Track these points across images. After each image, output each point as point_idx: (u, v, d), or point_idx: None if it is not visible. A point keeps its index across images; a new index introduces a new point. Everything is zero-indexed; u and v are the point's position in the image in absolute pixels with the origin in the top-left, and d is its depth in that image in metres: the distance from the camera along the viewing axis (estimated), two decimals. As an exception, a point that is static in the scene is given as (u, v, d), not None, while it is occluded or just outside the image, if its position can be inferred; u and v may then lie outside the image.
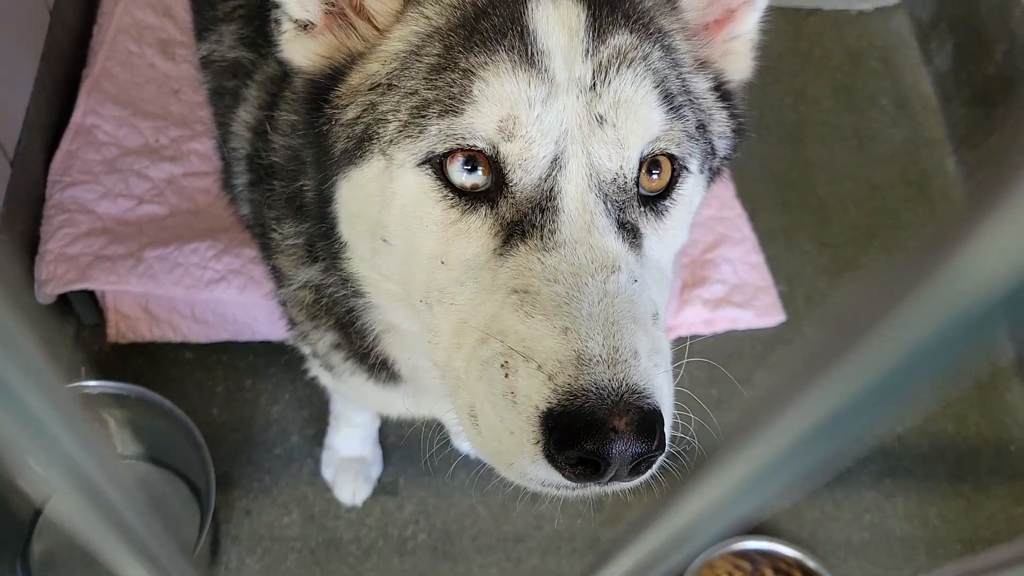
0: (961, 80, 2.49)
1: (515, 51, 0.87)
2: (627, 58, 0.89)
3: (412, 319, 1.00)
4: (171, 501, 1.84)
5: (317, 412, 1.98)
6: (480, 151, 0.87)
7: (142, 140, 2.11)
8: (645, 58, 0.90)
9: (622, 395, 0.75)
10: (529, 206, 0.86)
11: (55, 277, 1.90)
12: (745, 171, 2.36)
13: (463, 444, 1.81)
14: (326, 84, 0.99)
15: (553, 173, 0.86)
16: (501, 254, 0.86)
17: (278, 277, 1.27)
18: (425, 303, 0.92)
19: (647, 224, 0.92)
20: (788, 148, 2.48)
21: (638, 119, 0.87)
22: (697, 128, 0.95)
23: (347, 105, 0.96)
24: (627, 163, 0.88)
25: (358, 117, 0.95)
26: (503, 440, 0.81)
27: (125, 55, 2.20)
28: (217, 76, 1.45)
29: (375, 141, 0.93)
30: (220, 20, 1.44)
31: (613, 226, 0.86)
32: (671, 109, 0.90)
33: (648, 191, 0.92)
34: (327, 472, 1.92)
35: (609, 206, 0.87)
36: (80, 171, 2.03)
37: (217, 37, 1.44)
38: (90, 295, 1.98)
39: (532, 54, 0.87)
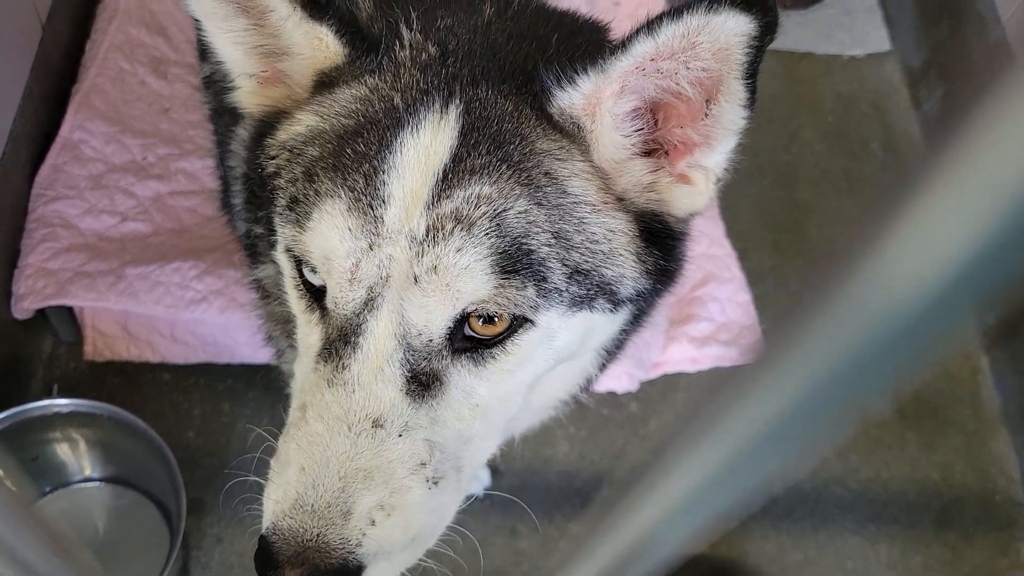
0: (948, 121, 2.50)
1: (356, 192, 0.87)
2: (470, 216, 0.85)
3: None
4: (140, 525, 1.80)
5: (295, 438, 1.94)
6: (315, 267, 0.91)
7: (129, 157, 2.09)
8: (496, 216, 0.85)
9: (307, 548, 0.86)
10: (339, 333, 0.90)
11: (33, 292, 1.86)
12: (736, 211, 2.36)
13: None
14: (265, 130, 1.01)
15: (365, 311, 0.88)
16: (316, 363, 0.92)
17: (261, 291, 1.26)
18: (299, 350, 1.02)
19: (459, 370, 0.91)
20: (780, 189, 2.49)
21: (449, 289, 0.85)
22: (569, 278, 0.90)
23: (272, 158, 0.98)
24: (433, 325, 0.88)
25: (271, 176, 0.97)
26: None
27: (117, 72, 2.18)
28: (218, 96, 1.46)
29: (275, 206, 0.96)
30: None
31: (402, 377, 0.89)
32: (510, 271, 0.86)
33: (480, 336, 0.91)
34: (302, 501, 1.88)
35: (409, 355, 0.89)
36: (65, 186, 2.01)
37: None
38: (68, 311, 1.95)
39: (372, 199, 0.86)
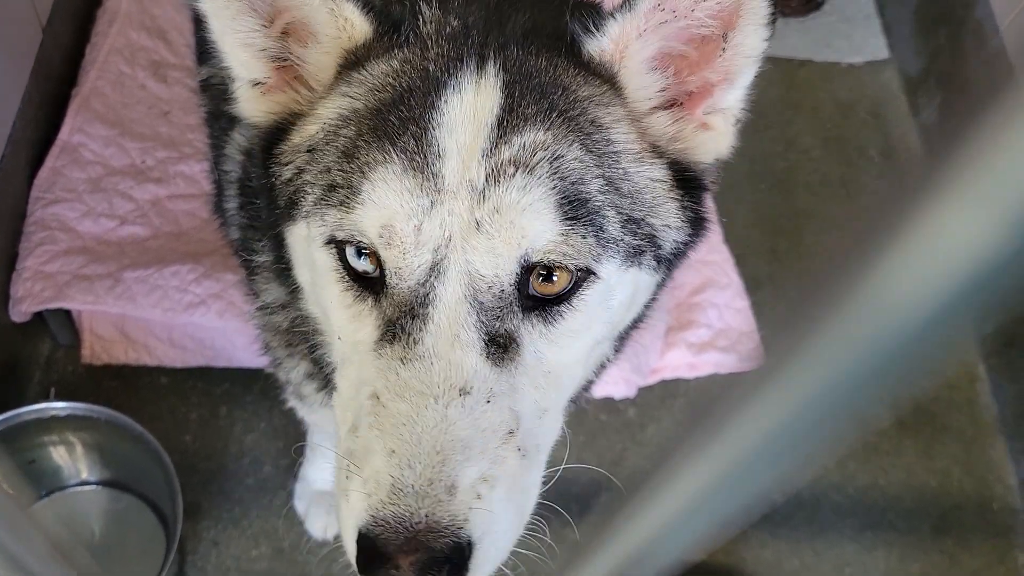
0: (948, 134, 2.51)
1: (408, 153, 0.85)
2: (528, 161, 0.85)
3: None
4: (137, 529, 1.79)
5: (292, 443, 1.94)
6: (368, 246, 0.88)
7: (128, 160, 2.09)
8: (553, 160, 0.86)
9: (417, 532, 0.80)
10: (404, 309, 0.87)
11: (31, 295, 1.86)
12: (734, 217, 2.36)
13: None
14: (275, 139, 1.00)
15: (431, 279, 0.86)
16: (377, 350, 0.88)
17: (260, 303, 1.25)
18: (337, 360, 0.97)
19: (531, 331, 0.89)
20: (777, 196, 2.49)
21: (514, 227, 0.84)
22: (623, 226, 0.90)
23: (287, 164, 0.97)
24: (501, 271, 0.86)
25: (291, 180, 0.96)
26: (343, 530, 0.87)
27: (116, 75, 2.19)
28: (215, 99, 1.45)
29: (300, 208, 0.94)
30: None
31: (480, 341, 0.86)
32: (572, 218, 0.85)
33: (543, 295, 0.89)
34: (300, 505, 1.87)
35: (482, 316, 0.86)
36: (64, 189, 2.01)
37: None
38: (66, 315, 1.95)
39: (426, 156, 0.85)
